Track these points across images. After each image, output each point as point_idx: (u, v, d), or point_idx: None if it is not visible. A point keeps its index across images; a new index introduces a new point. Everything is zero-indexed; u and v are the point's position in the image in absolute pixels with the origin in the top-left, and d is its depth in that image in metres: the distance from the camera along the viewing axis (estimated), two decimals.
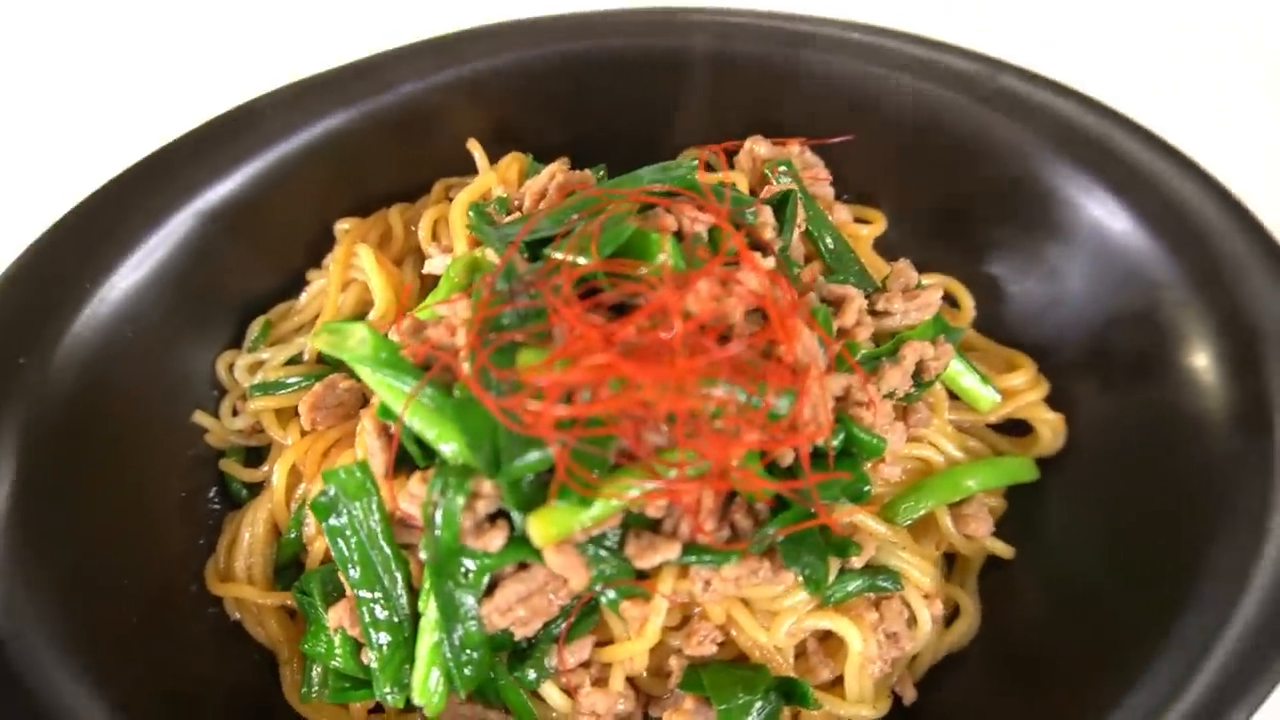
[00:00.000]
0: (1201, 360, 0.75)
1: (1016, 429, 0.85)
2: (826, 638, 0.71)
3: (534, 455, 0.59)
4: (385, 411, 0.67)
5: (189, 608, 0.76)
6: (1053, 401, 0.84)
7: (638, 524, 0.65)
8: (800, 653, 0.71)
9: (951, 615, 0.78)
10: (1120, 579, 0.73)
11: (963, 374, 0.80)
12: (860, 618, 0.68)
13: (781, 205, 0.75)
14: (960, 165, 0.87)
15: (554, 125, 0.90)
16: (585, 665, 0.69)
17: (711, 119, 0.90)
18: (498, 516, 0.64)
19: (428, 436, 0.65)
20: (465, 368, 0.62)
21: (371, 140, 0.86)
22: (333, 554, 0.68)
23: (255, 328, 0.84)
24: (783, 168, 0.82)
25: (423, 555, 0.65)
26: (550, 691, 0.67)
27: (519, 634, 0.66)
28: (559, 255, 0.64)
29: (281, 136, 0.82)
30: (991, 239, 0.88)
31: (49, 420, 0.72)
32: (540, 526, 0.60)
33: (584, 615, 0.68)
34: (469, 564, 0.64)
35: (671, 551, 0.63)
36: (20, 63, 1.42)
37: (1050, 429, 0.82)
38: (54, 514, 0.70)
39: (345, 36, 0.93)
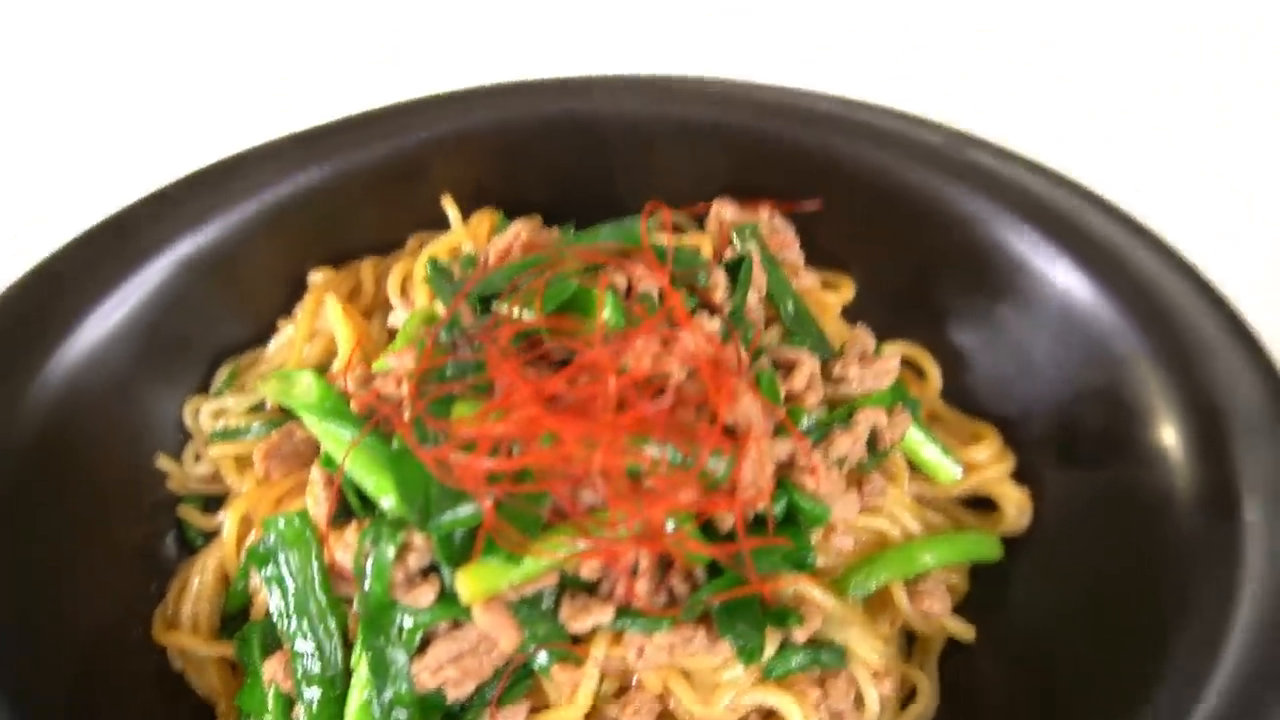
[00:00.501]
0: (1168, 439, 0.73)
1: (983, 504, 0.83)
2: (770, 715, 0.69)
3: (464, 509, 0.59)
4: (328, 460, 0.67)
5: (132, 654, 0.75)
6: (1019, 477, 0.82)
7: (574, 586, 0.64)
8: None
9: (909, 696, 0.75)
10: (1086, 663, 0.71)
11: (924, 444, 0.79)
12: (803, 694, 0.66)
13: (736, 267, 0.76)
14: (929, 236, 0.87)
15: (532, 185, 0.92)
16: None
17: (687, 182, 0.90)
18: (430, 571, 0.64)
19: (367, 487, 0.65)
20: (405, 417, 0.62)
21: (351, 195, 0.89)
22: (269, 604, 0.67)
23: (222, 374, 0.85)
24: (748, 231, 0.82)
25: (356, 609, 0.65)
26: None
27: (451, 696, 0.64)
28: (503, 309, 0.65)
29: (261, 189, 0.84)
30: (960, 309, 0.88)
31: (9, 461, 0.73)
32: (468, 583, 0.60)
33: (519, 679, 0.66)
34: (403, 620, 0.64)
35: (604, 615, 0.62)
36: (10, 109, 1.46)
37: (1015, 506, 0.80)
38: (4, 553, 0.70)
39: (329, 96, 0.96)
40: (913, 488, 0.80)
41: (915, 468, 0.81)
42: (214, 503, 0.83)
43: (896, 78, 1.38)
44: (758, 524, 0.65)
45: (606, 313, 0.64)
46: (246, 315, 0.88)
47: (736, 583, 0.62)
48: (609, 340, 0.62)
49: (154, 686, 0.74)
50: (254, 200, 0.86)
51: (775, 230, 0.87)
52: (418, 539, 0.62)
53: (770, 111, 0.89)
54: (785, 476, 0.67)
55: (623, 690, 0.68)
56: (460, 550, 0.61)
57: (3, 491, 0.72)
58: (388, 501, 0.64)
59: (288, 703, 0.68)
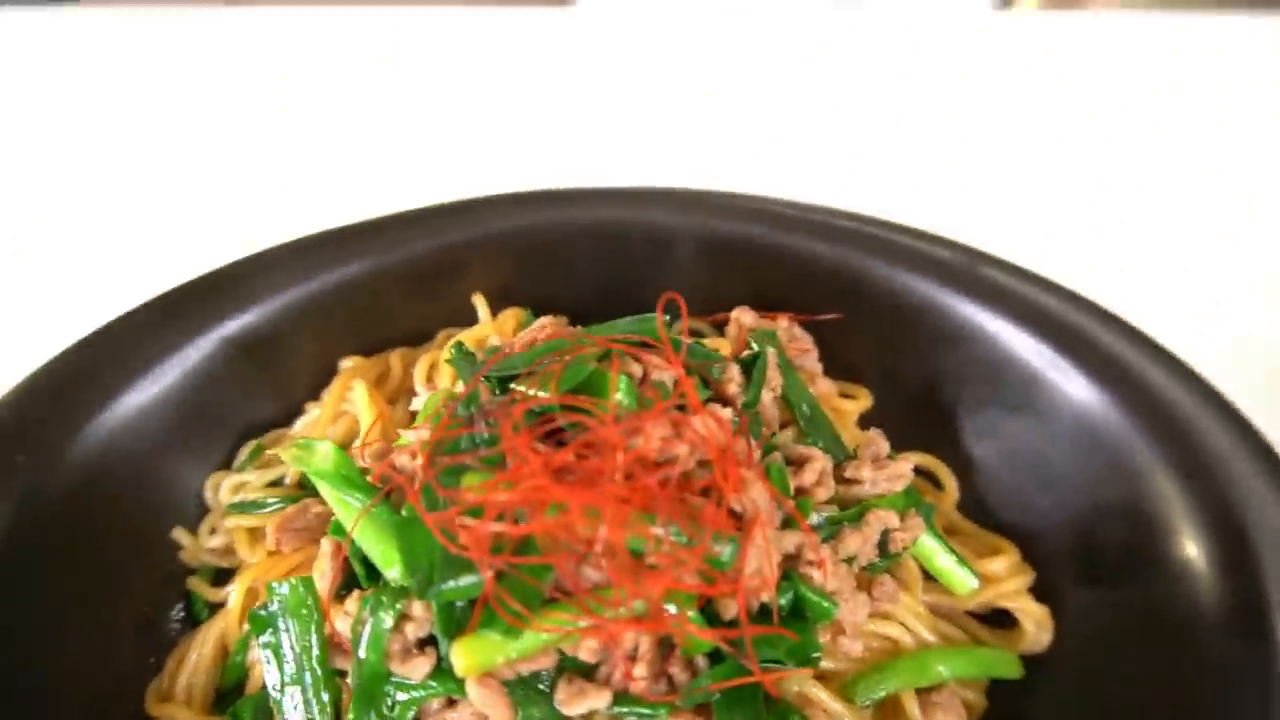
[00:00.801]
0: (1191, 555, 0.72)
1: (1003, 622, 0.80)
2: None
3: (466, 579, 0.59)
4: (337, 529, 0.68)
5: None
6: (1040, 594, 0.80)
7: (573, 668, 0.63)
8: None
9: None
10: None
11: (938, 554, 0.78)
12: None
13: (750, 364, 0.77)
14: (945, 350, 0.89)
15: (558, 289, 0.96)
16: None
17: (710, 292, 0.94)
18: (428, 644, 0.63)
19: (374, 557, 0.65)
20: (416, 487, 0.63)
21: (385, 290, 0.93)
22: (265, 673, 0.66)
23: (245, 451, 0.87)
24: (766, 336, 0.84)
25: (349, 680, 0.64)
26: None
27: None
28: (521, 388, 0.67)
29: (301, 280, 0.89)
30: (977, 422, 0.88)
31: (35, 520, 0.75)
32: (464, 654, 0.59)
33: None
34: (395, 695, 0.63)
35: (601, 700, 0.60)
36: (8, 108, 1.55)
37: (1034, 622, 0.77)
38: (11, 613, 0.71)
39: (376, 198, 1.03)
40: (928, 598, 0.78)
41: (931, 578, 0.79)
42: (224, 576, 0.83)
43: (897, 77, 1.41)
44: (763, 615, 0.63)
45: (619, 394, 0.65)
46: (278, 397, 0.91)
47: (738, 672, 0.60)
48: (620, 421, 0.63)
49: None
50: (294, 290, 0.91)
51: (794, 338, 0.90)
52: (417, 609, 0.62)
53: (791, 225, 0.93)
54: (792, 569, 0.66)
55: None
56: (460, 622, 0.60)
57: (21, 550, 0.73)
58: (393, 573, 0.64)
59: None
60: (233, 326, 0.88)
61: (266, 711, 0.69)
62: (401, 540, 0.62)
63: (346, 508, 0.67)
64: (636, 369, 0.70)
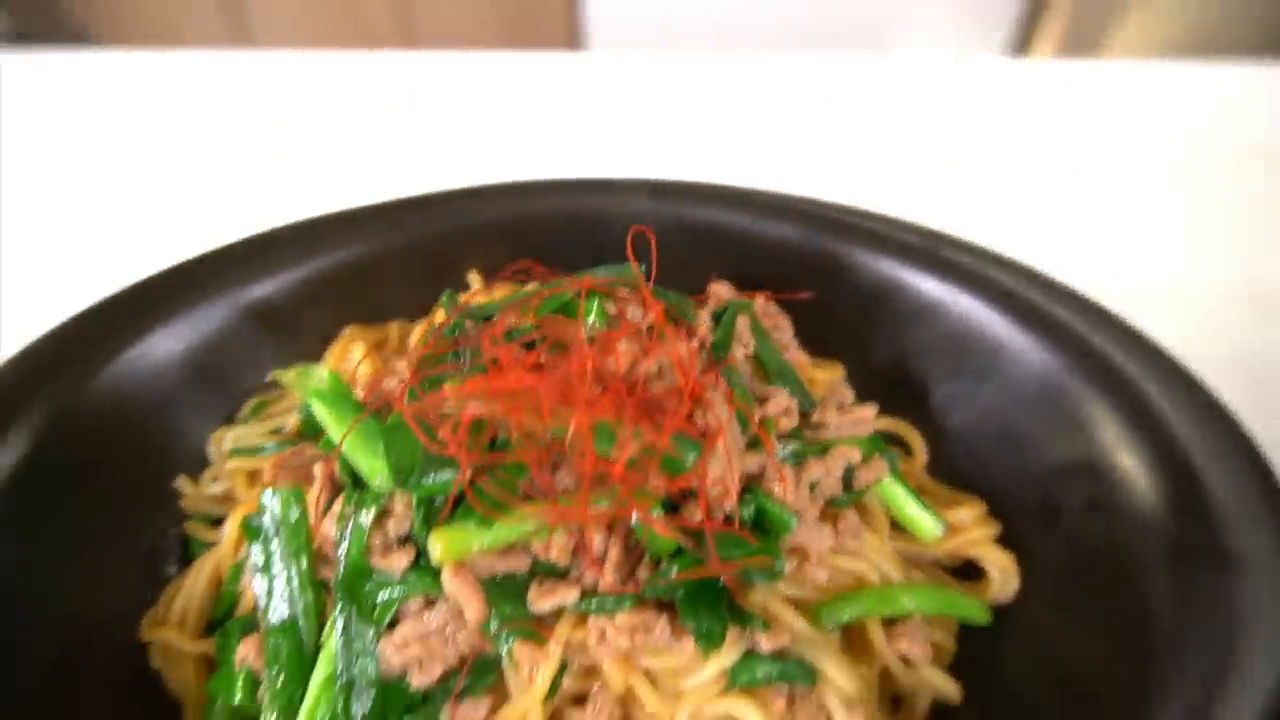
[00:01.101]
0: (1146, 499, 0.74)
1: (971, 576, 0.82)
2: None
3: (445, 474, 0.63)
4: (327, 444, 0.72)
5: (114, 652, 0.76)
6: (1007, 548, 0.82)
7: (544, 571, 0.66)
8: None
9: None
10: None
11: (906, 502, 0.81)
12: (766, 705, 0.64)
13: (721, 314, 0.82)
14: (913, 326, 0.94)
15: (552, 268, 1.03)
16: None
17: (692, 276, 1.00)
18: (407, 541, 0.66)
19: (360, 468, 0.69)
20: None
21: (388, 268, 1.00)
22: (253, 582, 0.70)
23: (248, 406, 0.92)
24: (742, 307, 0.90)
25: (333, 580, 0.67)
26: None
27: (415, 682, 0.65)
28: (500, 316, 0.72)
29: (312, 255, 0.96)
30: (945, 394, 0.92)
31: (46, 452, 0.79)
32: (441, 542, 0.62)
33: (483, 673, 0.66)
34: (376, 595, 0.66)
35: (570, 595, 0.64)
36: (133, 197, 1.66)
37: (1000, 570, 0.79)
38: (26, 535, 0.75)
39: (391, 182, 1.10)
40: (897, 546, 0.81)
41: (899, 527, 0.82)
42: (222, 522, 0.87)
43: (912, 123, 1.41)
44: (726, 525, 0.67)
45: (591, 317, 0.70)
46: (282, 362, 0.97)
47: (697, 562, 0.63)
48: (593, 339, 0.68)
49: (126, 685, 0.75)
50: (307, 264, 0.97)
51: (769, 313, 0.95)
52: (398, 505, 0.66)
53: (766, 211, 0.99)
54: (755, 485, 0.69)
55: (584, 699, 0.67)
56: (439, 515, 0.64)
57: (29, 478, 0.77)
58: (379, 481, 0.68)
59: (255, 684, 0.68)
60: (248, 293, 0.94)
61: (254, 629, 0.72)
62: (387, 443, 0.66)
63: (338, 423, 0.71)
64: (611, 305, 0.76)
